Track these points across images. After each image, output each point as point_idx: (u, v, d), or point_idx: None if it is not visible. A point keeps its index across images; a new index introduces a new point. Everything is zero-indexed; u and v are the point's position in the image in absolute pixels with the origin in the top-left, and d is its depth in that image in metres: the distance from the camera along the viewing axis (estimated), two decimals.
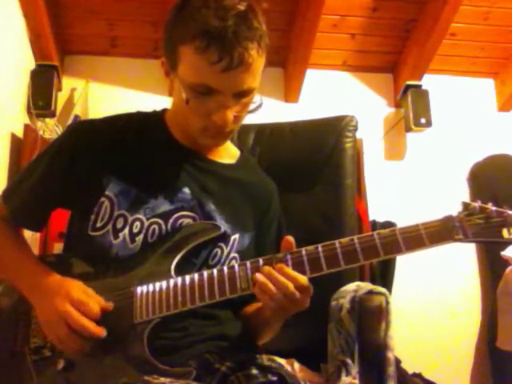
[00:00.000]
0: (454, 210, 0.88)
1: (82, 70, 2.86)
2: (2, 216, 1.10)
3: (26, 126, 2.50)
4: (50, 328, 0.91)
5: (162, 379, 0.83)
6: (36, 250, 2.07)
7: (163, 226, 1.00)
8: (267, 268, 0.88)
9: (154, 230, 1.00)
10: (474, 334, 2.93)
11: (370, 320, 1.17)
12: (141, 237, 0.99)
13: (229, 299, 0.90)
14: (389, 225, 2.73)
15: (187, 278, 0.92)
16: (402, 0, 2.77)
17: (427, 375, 2.52)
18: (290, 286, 0.86)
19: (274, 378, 0.92)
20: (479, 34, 2.93)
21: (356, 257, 0.87)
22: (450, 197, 2.86)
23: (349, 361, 1.16)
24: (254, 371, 0.93)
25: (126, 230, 0.99)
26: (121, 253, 0.99)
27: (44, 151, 1.10)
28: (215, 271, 0.91)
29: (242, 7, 0.90)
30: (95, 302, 0.91)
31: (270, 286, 0.86)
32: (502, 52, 3.04)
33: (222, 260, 1.03)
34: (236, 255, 1.06)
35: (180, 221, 1.01)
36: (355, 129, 1.51)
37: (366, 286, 1.26)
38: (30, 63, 2.65)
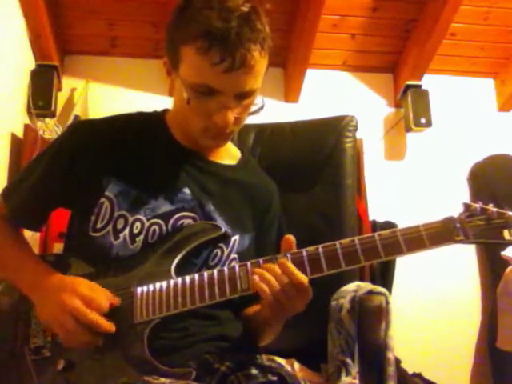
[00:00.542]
0: (455, 210, 0.88)
1: (82, 70, 2.86)
2: (1, 215, 1.10)
3: (26, 126, 2.50)
4: (58, 324, 0.90)
5: (162, 379, 0.84)
6: (36, 250, 2.06)
7: (164, 227, 1.00)
8: (268, 264, 0.88)
9: (154, 230, 1.00)
10: (474, 334, 2.94)
11: (370, 320, 1.17)
12: (141, 237, 0.99)
13: (229, 300, 0.90)
14: (389, 225, 2.73)
15: (187, 278, 0.92)
16: (402, 0, 2.77)
17: (427, 375, 2.52)
18: (287, 279, 0.86)
19: (274, 378, 0.92)
20: (479, 34, 2.93)
21: (357, 258, 0.86)
22: (450, 197, 2.87)
23: (349, 361, 1.16)
24: (254, 371, 0.93)
25: (127, 231, 0.99)
26: (121, 253, 0.99)
27: (44, 151, 1.10)
28: (215, 272, 0.91)
29: (245, 9, 0.89)
30: (103, 296, 0.91)
31: (268, 275, 0.87)
32: (502, 52, 3.04)
33: (222, 261, 1.03)
34: (236, 256, 1.05)
35: (180, 221, 1.01)
36: (355, 129, 1.51)
37: (366, 285, 1.26)
38: (30, 63, 2.65)
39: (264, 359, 0.98)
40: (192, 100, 0.94)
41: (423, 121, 2.88)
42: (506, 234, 0.83)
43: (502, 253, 2.13)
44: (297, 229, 1.25)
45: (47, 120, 2.64)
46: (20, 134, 2.45)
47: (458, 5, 2.64)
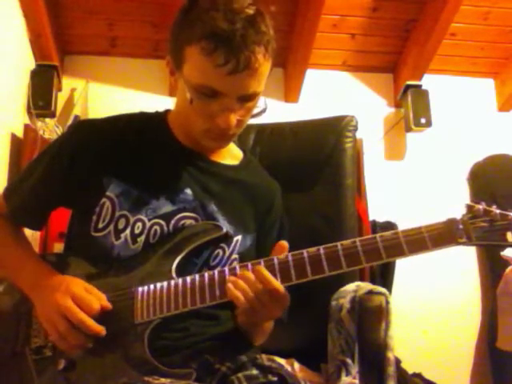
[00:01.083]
0: (455, 210, 0.87)
1: (82, 70, 2.86)
2: (2, 214, 1.10)
3: (26, 126, 2.50)
4: (51, 324, 0.91)
5: (163, 380, 0.84)
6: (36, 250, 2.05)
7: (165, 227, 1.00)
8: (243, 271, 0.89)
9: (155, 230, 1.00)
10: (474, 334, 2.94)
11: (370, 320, 1.17)
12: (142, 238, 0.99)
13: (230, 300, 0.89)
14: (389, 225, 2.73)
15: (188, 278, 0.92)
16: (402, 0, 2.77)
17: (427, 375, 2.52)
18: (260, 286, 0.86)
19: (275, 379, 0.92)
20: (479, 34, 2.93)
21: (358, 259, 0.86)
22: (450, 197, 2.87)
23: (349, 361, 1.16)
24: (255, 371, 0.93)
25: (128, 231, 0.99)
26: (122, 253, 0.99)
27: (45, 150, 1.10)
28: (216, 272, 0.91)
29: (250, 11, 0.89)
30: (96, 298, 0.91)
31: (241, 282, 0.87)
32: (502, 52, 3.04)
33: (224, 261, 1.03)
34: (237, 256, 1.05)
35: (182, 222, 1.01)
36: (355, 129, 1.51)
37: (366, 285, 1.26)
38: (30, 63, 2.65)
39: (264, 359, 0.98)
40: (195, 101, 0.94)
41: (423, 121, 2.88)
42: (509, 236, 0.81)
43: (502, 253, 2.13)
44: (297, 229, 1.26)
45: (47, 120, 2.64)
46: (20, 133, 2.45)
47: (458, 5, 2.64)
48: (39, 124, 2.62)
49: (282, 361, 1.27)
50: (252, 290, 0.87)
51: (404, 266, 2.70)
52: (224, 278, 0.90)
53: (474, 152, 3.03)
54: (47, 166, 1.06)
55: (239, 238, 1.06)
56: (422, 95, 2.90)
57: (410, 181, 3.01)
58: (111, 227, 0.99)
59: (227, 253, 1.04)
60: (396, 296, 2.48)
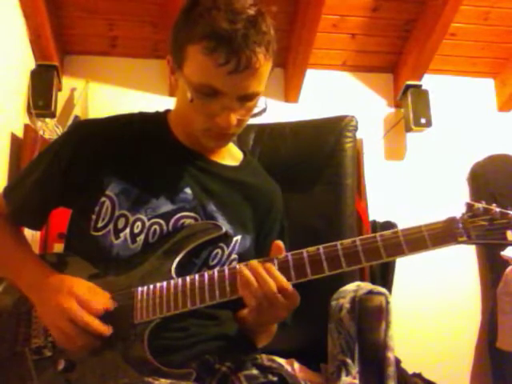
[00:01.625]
0: (455, 209, 0.87)
1: (82, 70, 2.86)
2: (2, 214, 1.10)
3: (26, 126, 2.50)
4: (57, 328, 0.91)
5: (163, 380, 0.84)
6: (36, 251, 2.06)
7: (164, 227, 1.00)
8: (254, 263, 0.88)
9: (155, 230, 1.00)
10: (474, 334, 2.94)
11: (370, 320, 1.17)
12: (142, 237, 0.99)
13: (230, 300, 0.89)
14: (389, 225, 2.73)
15: (188, 278, 0.91)
16: (402, 0, 2.77)
17: (427, 375, 2.52)
18: (272, 284, 0.85)
19: (275, 379, 0.92)
20: (479, 34, 2.93)
21: (358, 258, 0.86)
22: (450, 197, 2.87)
23: (349, 361, 1.16)
24: (255, 371, 0.93)
25: (127, 230, 0.99)
26: (122, 253, 0.99)
27: (45, 150, 1.11)
28: (216, 272, 0.91)
29: (251, 11, 0.90)
30: (100, 299, 0.91)
31: (252, 279, 0.86)
32: (501, 52, 3.04)
33: (223, 261, 1.03)
34: (236, 256, 1.05)
35: (181, 221, 1.01)
36: (355, 129, 1.51)
37: (366, 286, 1.26)
38: (30, 63, 2.65)
39: (264, 359, 0.98)
40: (195, 100, 0.94)
41: (423, 121, 2.88)
42: (509, 234, 0.81)
43: (502, 253, 2.14)
44: (296, 229, 1.26)
45: (47, 120, 2.65)
46: (20, 133, 2.45)
47: (457, 5, 2.64)
48: (39, 124, 2.62)
49: (282, 361, 1.27)
50: (263, 287, 0.86)
51: (404, 266, 2.70)
52: (224, 277, 0.90)
53: (474, 152, 3.03)
54: (47, 166, 1.06)
55: (238, 238, 1.06)
56: (421, 95, 2.90)
57: (409, 181, 3.01)
58: (111, 226, 0.99)
59: (226, 253, 1.04)
60: (396, 296, 2.48)
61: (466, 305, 2.93)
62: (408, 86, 2.92)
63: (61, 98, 2.77)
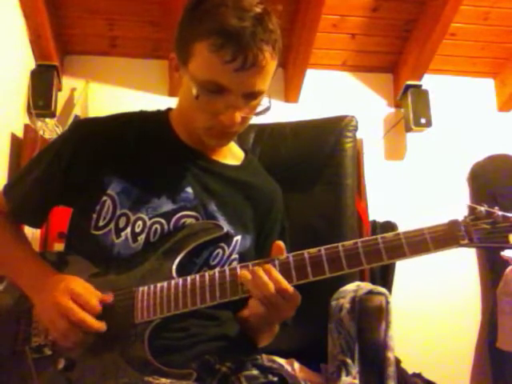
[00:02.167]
0: (455, 210, 0.87)
1: (82, 70, 2.86)
2: (2, 211, 1.10)
3: (26, 126, 2.50)
4: (51, 323, 0.91)
5: (163, 380, 0.84)
6: (36, 250, 2.06)
7: (165, 226, 1.00)
8: (256, 268, 0.88)
9: (156, 229, 1.00)
10: (474, 334, 2.93)
11: (370, 320, 1.17)
12: (143, 236, 0.99)
13: (230, 300, 0.89)
14: (389, 225, 2.73)
15: (188, 278, 0.91)
16: (402, 0, 2.77)
17: (427, 375, 2.52)
18: (271, 286, 0.85)
19: (275, 379, 0.92)
20: (479, 34, 2.93)
21: (359, 261, 0.85)
22: (450, 197, 2.87)
23: (349, 361, 1.16)
24: (255, 372, 0.93)
25: (128, 230, 0.99)
26: (122, 252, 0.99)
27: (46, 148, 1.11)
28: (217, 272, 0.91)
29: (258, 9, 0.90)
30: (95, 296, 0.91)
31: (252, 282, 0.86)
32: (502, 52, 3.04)
33: (223, 261, 1.03)
34: (237, 256, 1.05)
35: (182, 220, 1.01)
36: (355, 129, 1.51)
37: (366, 286, 1.26)
38: (30, 63, 2.65)
39: (264, 359, 0.98)
40: (200, 97, 0.94)
41: (423, 121, 2.88)
42: (511, 238, 0.81)
43: (502, 253, 2.14)
44: (297, 229, 1.26)
45: (47, 120, 2.64)
46: (20, 133, 2.45)
47: (457, 5, 2.63)
48: (39, 124, 2.62)
49: (282, 361, 1.27)
50: (263, 289, 0.86)
51: (404, 266, 2.69)
52: (224, 278, 0.89)
53: (474, 152, 3.03)
54: (47, 164, 1.06)
55: (239, 238, 1.06)
56: (421, 95, 2.90)
57: (409, 181, 3.01)
58: (112, 225, 0.99)
59: (227, 252, 1.04)
60: (396, 296, 2.48)
61: (465, 305, 2.93)
62: (408, 86, 2.91)
63: (61, 98, 2.77)
